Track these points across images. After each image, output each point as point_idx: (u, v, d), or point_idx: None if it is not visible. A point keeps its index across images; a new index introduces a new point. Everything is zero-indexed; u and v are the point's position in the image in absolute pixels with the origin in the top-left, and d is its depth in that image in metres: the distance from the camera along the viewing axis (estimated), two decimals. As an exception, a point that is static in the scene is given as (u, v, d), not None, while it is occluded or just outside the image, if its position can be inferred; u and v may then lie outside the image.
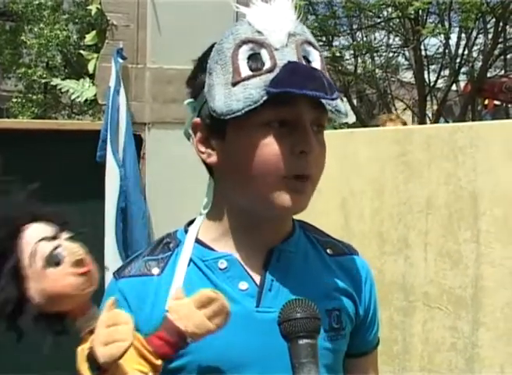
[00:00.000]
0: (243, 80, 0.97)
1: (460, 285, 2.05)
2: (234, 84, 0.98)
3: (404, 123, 3.07)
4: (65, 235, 0.88)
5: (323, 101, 0.97)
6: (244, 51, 1.00)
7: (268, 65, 0.97)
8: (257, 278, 1.04)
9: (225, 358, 0.97)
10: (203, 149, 1.05)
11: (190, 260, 1.04)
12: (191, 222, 1.11)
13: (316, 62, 1.02)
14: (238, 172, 1.01)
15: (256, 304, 1.02)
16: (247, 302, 1.01)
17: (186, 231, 1.09)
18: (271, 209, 1.01)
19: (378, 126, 2.98)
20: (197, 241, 1.07)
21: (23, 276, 0.85)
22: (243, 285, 1.03)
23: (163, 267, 1.05)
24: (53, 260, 0.85)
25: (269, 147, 0.98)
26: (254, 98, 0.96)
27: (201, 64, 1.06)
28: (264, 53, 0.99)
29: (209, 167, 1.09)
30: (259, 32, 1.00)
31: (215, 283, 1.02)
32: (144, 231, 2.90)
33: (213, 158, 1.05)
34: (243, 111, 0.96)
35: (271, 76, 0.96)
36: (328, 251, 1.13)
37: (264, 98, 0.95)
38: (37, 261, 0.85)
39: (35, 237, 0.86)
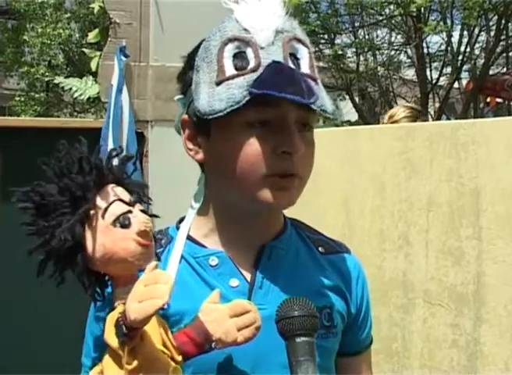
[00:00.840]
0: (228, 79, 0.97)
1: (461, 282, 2.05)
2: (218, 83, 0.98)
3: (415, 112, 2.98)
4: (139, 206, 0.91)
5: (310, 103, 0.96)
6: (230, 50, 0.99)
7: (252, 64, 0.97)
8: (248, 275, 1.05)
9: (216, 355, 0.97)
10: (191, 146, 1.06)
11: (182, 257, 1.05)
12: (183, 218, 1.11)
13: (304, 59, 1.01)
14: (222, 170, 1.02)
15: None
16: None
17: (177, 228, 1.10)
18: (255, 205, 1.01)
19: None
20: (189, 237, 1.07)
21: (91, 224, 0.87)
22: (234, 282, 1.03)
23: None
24: (122, 221, 0.87)
25: (251, 147, 0.98)
26: (237, 98, 0.95)
27: (190, 61, 1.06)
28: (249, 52, 0.98)
29: (200, 163, 1.09)
30: (246, 30, 0.99)
31: (205, 280, 1.03)
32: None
33: (200, 156, 1.06)
34: (225, 111, 0.96)
35: (254, 75, 0.96)
36: (319, 249, 1.13)
37: (247, 98, 0.95)
38: (108, 216, 0.87)
39: (114, 195, 0.89)
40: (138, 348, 0.85)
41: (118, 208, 0.88)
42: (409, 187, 2.23)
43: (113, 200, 0.88)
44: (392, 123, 2.91)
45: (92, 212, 0.87)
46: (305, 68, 1.01)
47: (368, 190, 2.35)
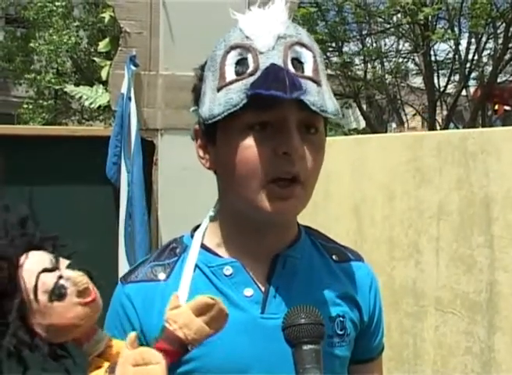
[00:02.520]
0: (227, 84, 0.99)
1: (474, 290, 2.05)
2: (219, 89, 1.00)
3: None
4: (64, 263, 0.85)
5: (307, 101, 0.96)
6: (233, 57, 1.01)
7: (250, 68, 0.98)
8: (263, 284, 1.04)
9: (229, 364, 0.97)
10: (202, 154, 1.07)
11: (196, 266, 1.05)
12: (197, 227, 1.11)
13: (308, 63, 1.01)
14: (228, 176, 1.03)
15: (261, 310, 1.02)
16: (252, 309, 1.02)
17: (192, 236, 1.10)
18: (260, 214, 1.01)
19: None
20: (203, 246, 1.07)
21: (28, 312, 0.82)
22: (249, 292, 1.03)
23: (169, 272, 1.06)
24: (57, 293, 0.82)
25: (250, 149, 0.98)
26: (234, 101, 0.97)
27: (200, 72, 1.08)
28: (249, 57, 0.99)
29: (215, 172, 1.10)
30: (248, 37, 1.01)
31: (220, 290, 1.03)
32: (145, 237, 2.91)
33: (209, 164, 1.06)
34: (222, 115, 0.97)
35: (252, 79, 0.97)
36: (333, 257, 1.13)
37: (244, 101, 0.96)
38: (40, 296, 0.82)
39: (35, 270, 0.82)
40: None
41: (46, 283, 0.82)
42: (418, 196, 2.24)
43: (36, 275, 0.82)
44: None
45: (23, 300, 0.81)
46: (308, 71, 1.01)
47: (378, 198, 2.36)
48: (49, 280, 0.82)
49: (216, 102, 0.99)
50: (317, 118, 1.02)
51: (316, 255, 1.12)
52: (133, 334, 0.89)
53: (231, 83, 0.98)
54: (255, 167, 0.98)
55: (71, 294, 0.83)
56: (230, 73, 1.00)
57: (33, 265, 0.83)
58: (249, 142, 0.99)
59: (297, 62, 1.01)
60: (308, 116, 1.00)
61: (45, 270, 0.82)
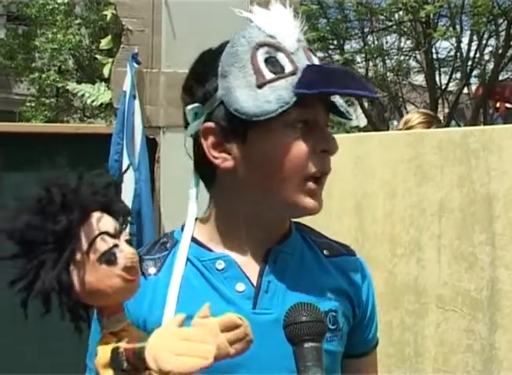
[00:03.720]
0: (269, 82, 1.00)
1: (475, 287, 2.06)
2: (260, 86, 1.00)
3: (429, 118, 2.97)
4: (124, 236, 0.88)
5: (337, 103, 1.03)
6: (261, 54, 1.02)
7: (289, 68, 1.01)
8: (254, 279, 1.05)
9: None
10: (216, 154, 1.05)
11: (188, 260, 1.05)
12: None
13: None
14: (260, 175, 1.03)
15: (252, 305, 1.03)
16: (244, 304, 1.03)
17: (183, 230, 1.10)
18: (293, 211, 1.04)
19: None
20: (195, 240, 1.08)
21: (76, 262, 0.85)
22: (240, 287, 1.04)
23: (160, 267, 1.07)
24: (108, 258, 0.85)
25: (296, 146, 1.01)
26: (285, 99, 0.98)
27: (207, 69, 1.06)
28: (281, 57, 1.01)
29: (205, 170, 1.09)
30: (271, 36, 1.02)
31: (212, 284, 1.04)
32: (152, 233, 2.93)
33: (228, 163, 1.05)
34: (276, 112, 0.98)
35: (295, 78, 0.99)
36: (324, 252, 1.14)
37: (294, 99, 0.98)
38: (92, 253, 0.85)
39: (100, 229, 0.86)
40: None
41: (103, 245, 0.85)
42: (420, 193, 2.24)
43: (97, 234, 0.85)
44: (407, 128, 2.90)
45: (77, 249, 0.84)
46: None
47: (380, 195, 2.36)
48: (106, 243, 0.85)
49: (262, 99, 0.99)
50: (328, 118, 1.07)
51: (307, 251, 1.13)
52: (181, 316, 0.88)
53: (273, 81, 1.00)
54: (300, 163, 1.01)
55: (119, 265, 0.85)
56: (266, 71, 1.01)
57: (100, 224, 0.86)
58: (294, 139, 1.01)
59: None
60: (327, 117, 1.06)
61: (107, 233, 0.86)
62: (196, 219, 1.12)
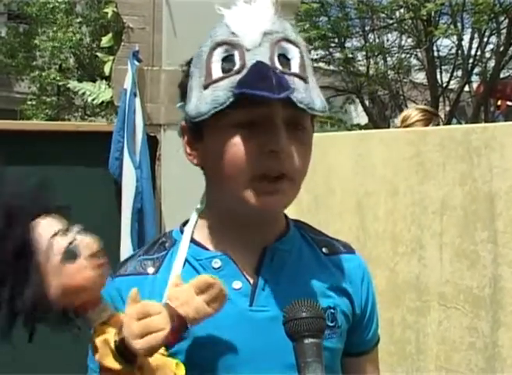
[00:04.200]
0: (214, 82, 0.99)
1: (477, 285, 2.06)
2: (205, 87, 1.00)
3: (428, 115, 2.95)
4: (76, 228, 0.88)
5: (294, 99, 0.96)
6: (219, 53, 1.01)
7: (237, 66, 0.99)
8: (251, 277, 1.05)
9: (218, 356, 0.98)
10: (189, 151, 1.07)
11: (185, 259, 1.06)
12: (186, 222, 1.12)
13: (295, 59, 1.02)
14: (215, 173, 1.04)
15: (249, 303, 1.03)
16: (241, 301, 1.03)
17: (181, 231, 1.11)
18: (246, 209, 1.02)
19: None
20: (192, 240, 1.08)
21: (42, 271, 0.84)
22: (237, 284, 1.04)
23: (158, 266, 1.07)
24: (70, 255, 0.84)
25: (237, 147, 0.99)
26: (221, 100, 0.97)
27: (187, 68, 1.08)
28: (236, 54, 0.99)
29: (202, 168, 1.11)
30: (233, 33, 1.01)
31: None
32: (153, 230, 2.94)
33: (196, 160, 1.07)
34: (209, 113, 0.98)
35: (238, 77, 0.97)
36: (323, 250, 1.14)
37: (231, 99, 0.96)
38: (54, 256, 0.84)
39: (49, 232, 0.85)
40: (144, 362, 0.87)
41: (60, 244, 0.85)
42: (422, 191, 2.24)
43: (50, 237, 0.85)
44: (405, 126, 2.89)
45: (39, 261, 0.84)
46: (295, 67, 1.01)
47: (381, 193, 2.36)
48: (62, 241, 0.85)
49: (203, 100, 0.99)
50: (304, 115, 1.02)
51: (306, 248, 1.12)
52: (134, 290, 0.91)
53: (218, 80, 0.99)
54: (242, 164, 0.99)
55: (83, 257, 0.85)
56: (217, 70, 1.00)
57: (49, 227, 0.86)
58: (236, 140, 0.99)
59: (284, 59, 1.01)
60: (295, 114, 1.01)
61: (59, 232, 0.85)
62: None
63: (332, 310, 1.08)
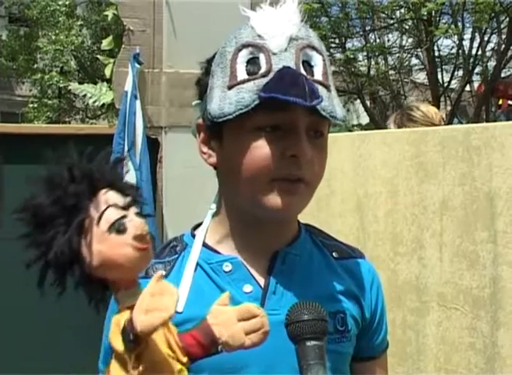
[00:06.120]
0: (239, 83, 0.99)
1: (477, 285, 2.06)
2: (230, 87, 1.00)
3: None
4: (134, 210, 0.89)
5: (318, 107, 0.97)
6: (244, 55, 1.01)
7: (263, 69, 0.99)
8: (262, 281, 1.06)
9: (228, 359, 0.97)
10: (204, 150, 1.08)
11: (196, 263, 1.06)
12: (198, 225, 1.12)
13: (318, 66, 1.02)
14: (232, 174, 1.04)
15: (260, 306, 1.02)
16: None
17: (193, 235, 1.11)
18: (263, 211, 1.03)
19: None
20: (203, 243, 1.09)
21: (86, 232, 0.86)
22: (248, 288, 1.05)
23: (169, 270, 1.08)
24: (118, 227, 0.86)
25: (259, 150, 1.00)
26: (246, 102, 0.97)
27: (207, 66, 1.08)
28: (261, 57, 1.00)
29: (215, 168, 1.11)
30: (260, 36, 1.01)
31: (219, 286, 1.04)
32: (153, 233, 2.94)
33: (212, 159, 1.08)
34: (234, 114, 0.98)
35: (264, 80, 0.97)
36: (334, 254, 1.14)
37: (256, 102, 0.97)
38: (102, 223, 0.86)
39: (108, 201, 0.87)
40: (144, 352, 0.85)
41: (112, 215, 0.87)
42: (422, 191, 2.24)
43: (107, 206, 0.87)
44: (432, 124, 2.84)
45: (87, 221, 0.86)
46: (318, 75, 1.02)
47: (381, 194, 2.36)
48: (115, 213, 0.87)
49: (227, 101, 0.99)
50: (324, 122, 1.04)
51: (316, 253, 1.13)
52: (160, 272, 0.90)
53: (243, 82, 0.99)
54: (263, 167, 0.99)
55: (129, 234, 0.86)
56: (241, 72, 1.00)
57: (109, 197, 0.88)
58: (259, 143, 1.00)
59: (308, 66, 1.02)
60: (317, 121, 1.02)
61: (116, 205, 0.87)
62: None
63: (341, 314, 1.08)
